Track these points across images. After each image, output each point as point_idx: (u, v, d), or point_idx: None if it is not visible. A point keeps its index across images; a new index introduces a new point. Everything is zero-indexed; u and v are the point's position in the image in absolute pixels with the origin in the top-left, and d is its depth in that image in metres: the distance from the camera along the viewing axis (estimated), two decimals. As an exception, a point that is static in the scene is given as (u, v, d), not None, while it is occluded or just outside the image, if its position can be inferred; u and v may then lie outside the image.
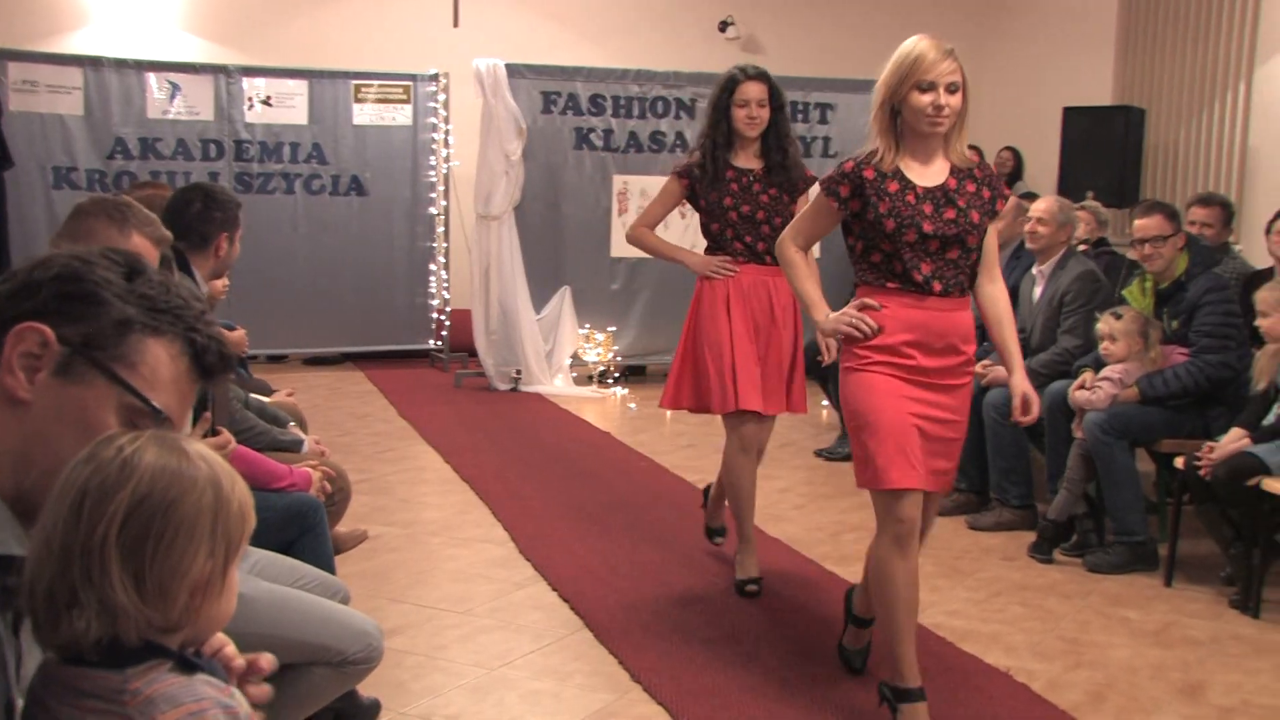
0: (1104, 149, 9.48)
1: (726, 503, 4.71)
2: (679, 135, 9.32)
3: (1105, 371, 5.00)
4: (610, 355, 9.24)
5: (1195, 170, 9.51)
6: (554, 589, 4.53)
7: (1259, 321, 4.60)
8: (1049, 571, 4.88)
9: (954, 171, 3.29)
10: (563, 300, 9.19)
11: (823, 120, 9.58)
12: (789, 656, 3.88)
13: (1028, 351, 5.52)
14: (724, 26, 11.23)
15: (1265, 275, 5.66)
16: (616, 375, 9.24)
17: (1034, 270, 5.70)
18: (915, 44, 3.22)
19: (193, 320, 1.56)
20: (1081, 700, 3.60)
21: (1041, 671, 3.81)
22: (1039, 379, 5.34)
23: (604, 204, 9.25)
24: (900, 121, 3.23)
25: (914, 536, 3.23)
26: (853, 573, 4.72)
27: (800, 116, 9.48)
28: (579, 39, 10.89)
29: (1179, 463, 4.66)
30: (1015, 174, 10.52)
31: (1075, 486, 5.04)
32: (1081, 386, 5.02)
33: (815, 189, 3.44)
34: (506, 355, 8.98)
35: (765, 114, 4.43)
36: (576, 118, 9.19)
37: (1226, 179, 9.15)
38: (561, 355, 9.16)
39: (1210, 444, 4.54)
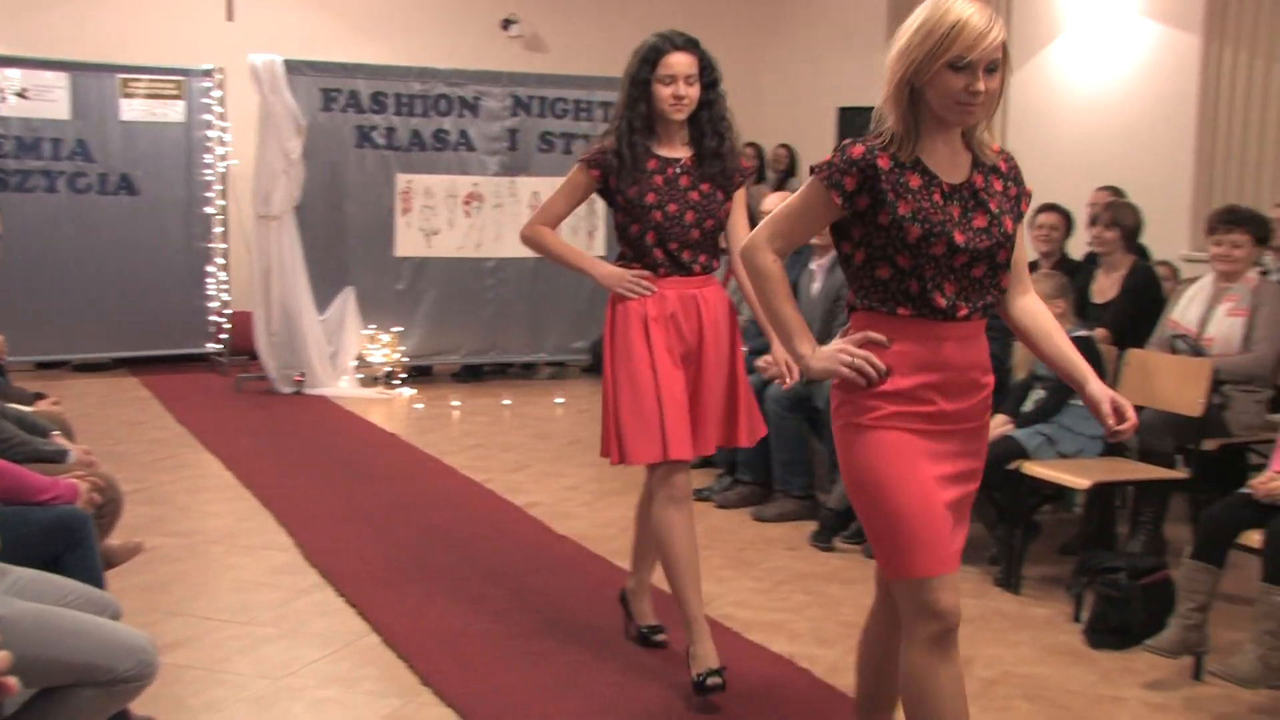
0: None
1: (671, 587, 3.69)
2: (463, 133, 9.25)
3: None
4: (396, 356, 9.11)
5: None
6: (340, 594, 4.44)
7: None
8: (830, 559, 5.04)
9: (977, 166, 2.60)
10: (347, 301, 9.02)
11: (606, 119, 9.61)
12: (579, 654, 3.89)
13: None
14: (507, 24, 11.20)
15: (1032, 266, 5.96)
16: (403, 376, 9.11)
17: (811, 266, 5.87)
18: (953, 6, 2.46)
19: None
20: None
21: (823, 656, 3.93)
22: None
23: (387, 203, 9.11)
24: (920, 102, 2.51)
25: (955, 632, 2.58)
26: (641, 567, 4.78)
27: (584, 115, 9.54)
28: (359, 35, 10.69)
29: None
30: (789, 171, 10.83)
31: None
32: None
33: (807, 178, 2.66)
34: (289, 357, 8.76)
35: (695, 92, 3.63)
36: (358, 115, 9.02)
37: (989, 178, 9.61)
38: (346, 357, 8.99)
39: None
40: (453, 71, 9.30)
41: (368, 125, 9.04)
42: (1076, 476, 4.45)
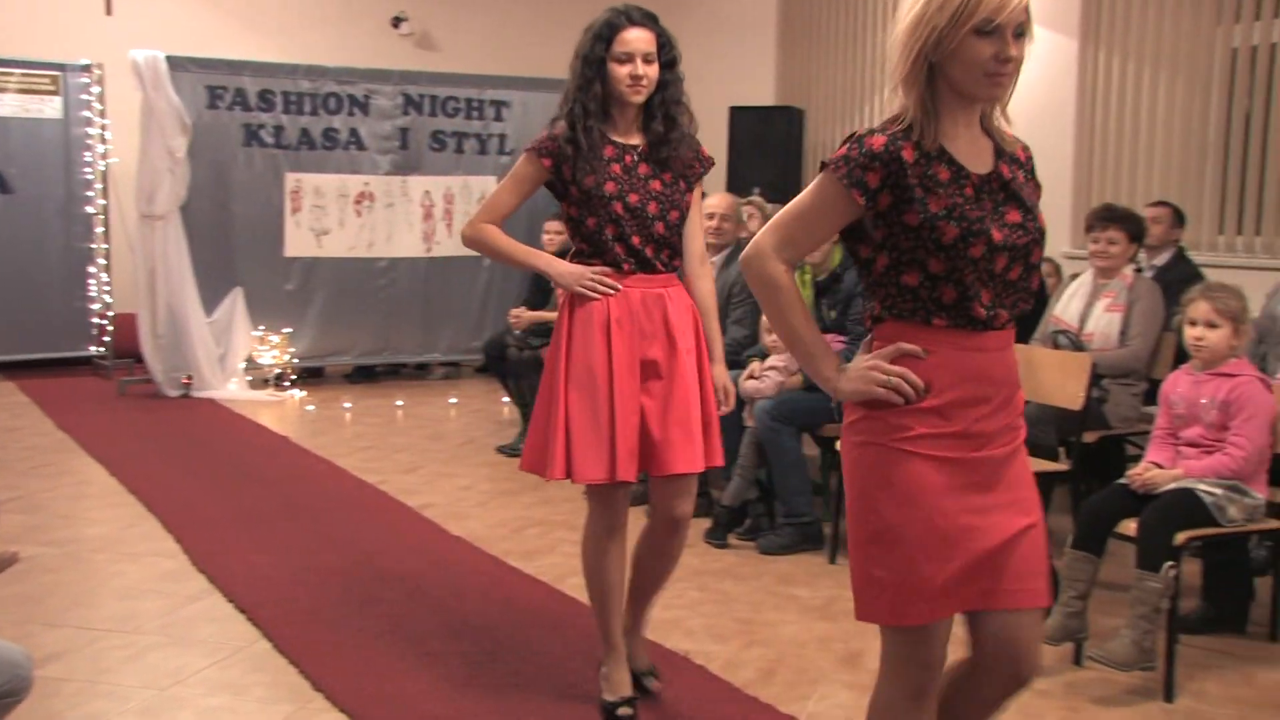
0: (768, 147, 9.95)
1: (594, 610, 3.52)
2: (353, 132, 9.15)
3: (771, 360, 5.24)
4: (286, 358, 8.98)
5: (850, 169, 10.12)
6: (230, 600, 4.36)
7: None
8: (724, 556, 5.08)
9: (1000, 154, 2.31)
10: (235, 302, 8.87)
11: (498, 118, 9.62)
12: (475, 655, 3.88)
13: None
14: (397, 22, 11.08)
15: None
16: (293, 378, 8.99)
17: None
18: None
19: None
20: (754, 677, 3.76)
21: (718, 652, 3.96)
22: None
23: (276, 203, 8.98)
24: (937, 81, 2.22)
25: (936, 686, 2.36)
26: (536, 568, 4.78)
27: (476, 114, 9.50)
28: (245, 31, 10.49)
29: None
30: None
31: (747, 473, 5.26)
32: (750, 376, 5.24)
33: (821, 174, 2.28)
34: (176, 360, 8.59)
35: (654, 72, 3.31)
36: (245, 113, 8.86)
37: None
38: (235, 359, 8.84)
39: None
40: (342, 69, 9.19)
41: (255, 123, 8.89)
42: (963, 470, 4.54)
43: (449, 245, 9.43)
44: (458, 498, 5.94)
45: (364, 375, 9.61)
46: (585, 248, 3.38)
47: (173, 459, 6.63)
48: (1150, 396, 5.14)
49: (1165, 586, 3.57)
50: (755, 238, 2.33)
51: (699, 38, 11.58)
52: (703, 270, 3.49)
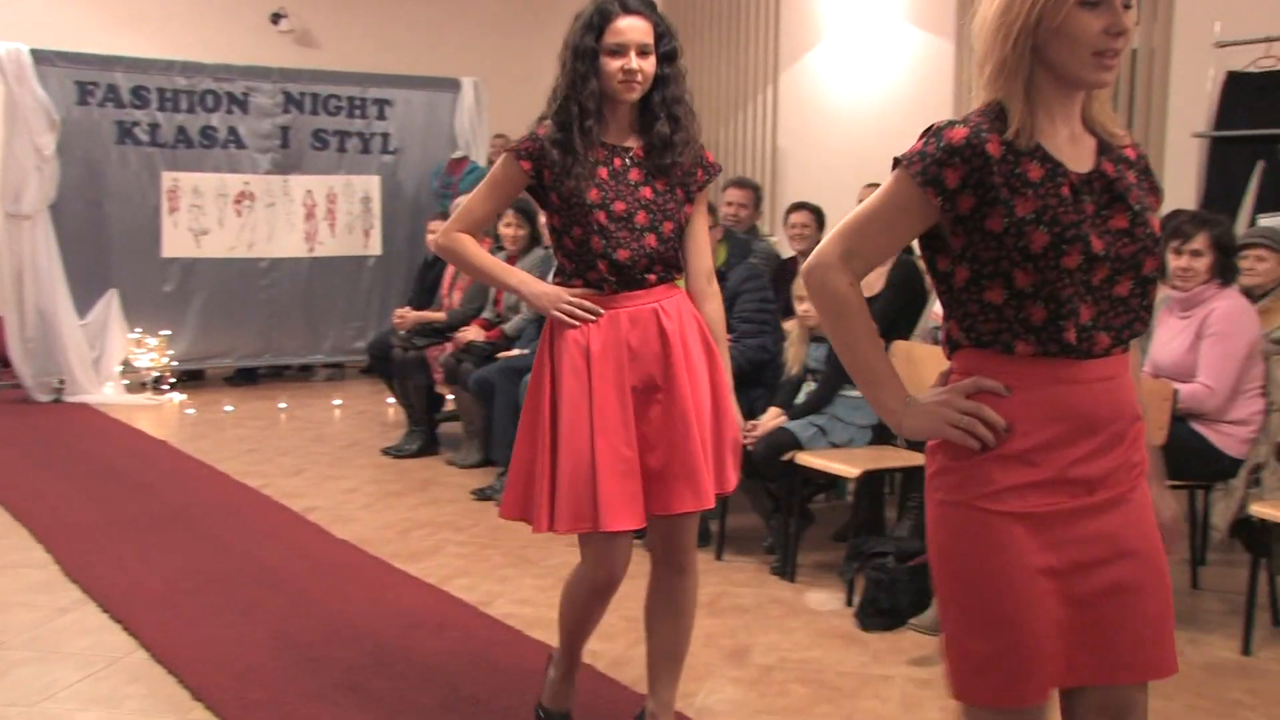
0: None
1: (559, 637, 3.28)
2: (232, 130, 8.97)
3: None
4: (164, 360, 8.76)
5: (732, 168, 10.18)
6: (104, 610, 4.24)
7: (798, 306, 4.97)
8: (612, 553, 5.07)
9: (1104, 151, 2.01)
10: (110, 304, 8.64)
11: (381, 117, 9.51)
12: (360, 659, 3.82)
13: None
14: (276, 19, 10.89)
15: (794, 262, 6.16)
16: (172, 381, 8.78)
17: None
18: None
19: None
20: (642, 674, 3.74)
21: (606, 651, 3.95)
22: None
23: (152, 202, 8.77)
24: (1035, 67, 1.94)
25: None
26: (422, 569, 4.74)
27: (359, 113, 9.38)
28: (117, 25, 10.20)
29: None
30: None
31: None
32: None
33: (889, 175, 2.00)
34: (47, 364, 8.34)
35: (650, 66, 2.92)
36: (118, 110, 8.64)
37: (760, 176, 9.85)
38: (111, 362, 8.61)
39: (753, 422, 4.86)
40: (220, 66, 9.00)
41: (129, 121, 8.67)
42: (847, 465, 4.60)
43: (332, 245, 9.31)
44: (342, 500, 5.86)
45: (246, 378, 9.43)
46: (568, 265, 2.98)
47: (43, 466, 6.43)
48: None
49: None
50: (820, 245, 2.04)
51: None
52: (710, 290, 3.09)
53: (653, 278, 2.96)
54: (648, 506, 2.93)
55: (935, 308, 5.46)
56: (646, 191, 2.94)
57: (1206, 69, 6.66)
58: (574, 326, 2.90)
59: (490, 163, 10.09)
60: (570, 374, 2.90)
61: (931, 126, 1.97)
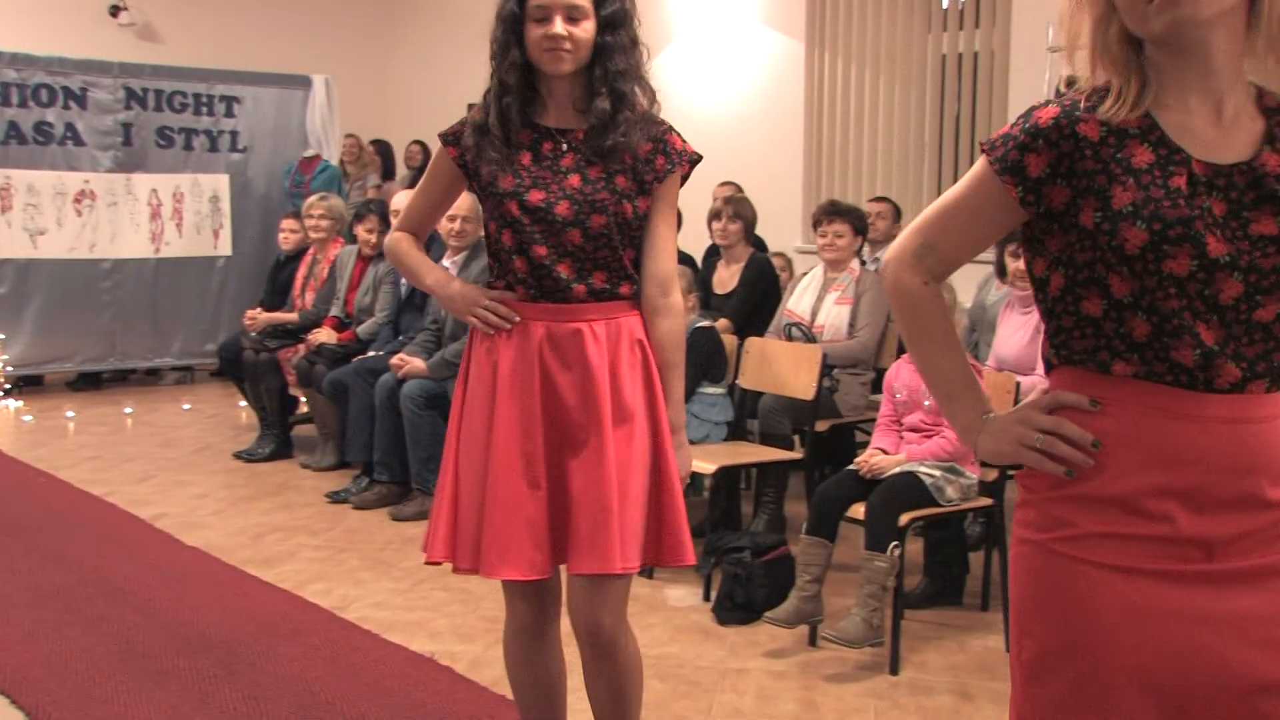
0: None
1: None
2: (69, 126, 8.64)
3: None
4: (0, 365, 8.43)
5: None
6: (-63, 628, 4.08)
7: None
8: (470, 554, 5.05)
9: (1273, 141, 1.60)
10: (-62, 308, 8.28)
11: (229, 114, 9.28)
12: (211, 670, 3.73)
13: (441, 341, 5.68)
14: (115, 11, 10.54)
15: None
16: (8, 387, 8.44)
17: (445, 261, 5.86)
18: None
19: None
20: (501, 675, 3.73)
21: (464, 653, 3.94)
22: (452, 368, 5.51)
23: (-17, 200, 8.43)
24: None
25: None
26: (276, 575, 4.65)
27: (205, 110, 9.15)
28: (-57, 16, 9.80)
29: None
30: (424, 167, 10.74)
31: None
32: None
33: (978, 162, 1.70)
34: None
35: (584, 34, 2.48)
36: (-55, 104, 8.29)
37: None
38: (-59, 368, 8.25)
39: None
40: (54, 59, 8.66)
41: (-43, 115, 8.31)
42: (703, 461, 4.65)
43: (179, 245, 9.06)
44: (193, 507, 5.71)
45: (89, 382, 9.11)
46: (493, 264, 2.62)
47: None
48: (877, 385, 5.40)
49: (891, 566, 3.76)
50: (898, 239, 1.80)
51: (439, 35, 11.49)
52: (663, 303, 2.58)
53: (581, 289, 2.50)
54: (555, 558, 2.55)
55: (789, 304, 5.55)
56: (575, 180, 2.51)
57: (1043, 72, 6.90)
58: (489, 334, 2.55)
59: (343, 162, 9.96)
60: (477, 392, 2.57)
61: (1029, 108, 1.67)
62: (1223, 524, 1.56)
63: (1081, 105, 1.60)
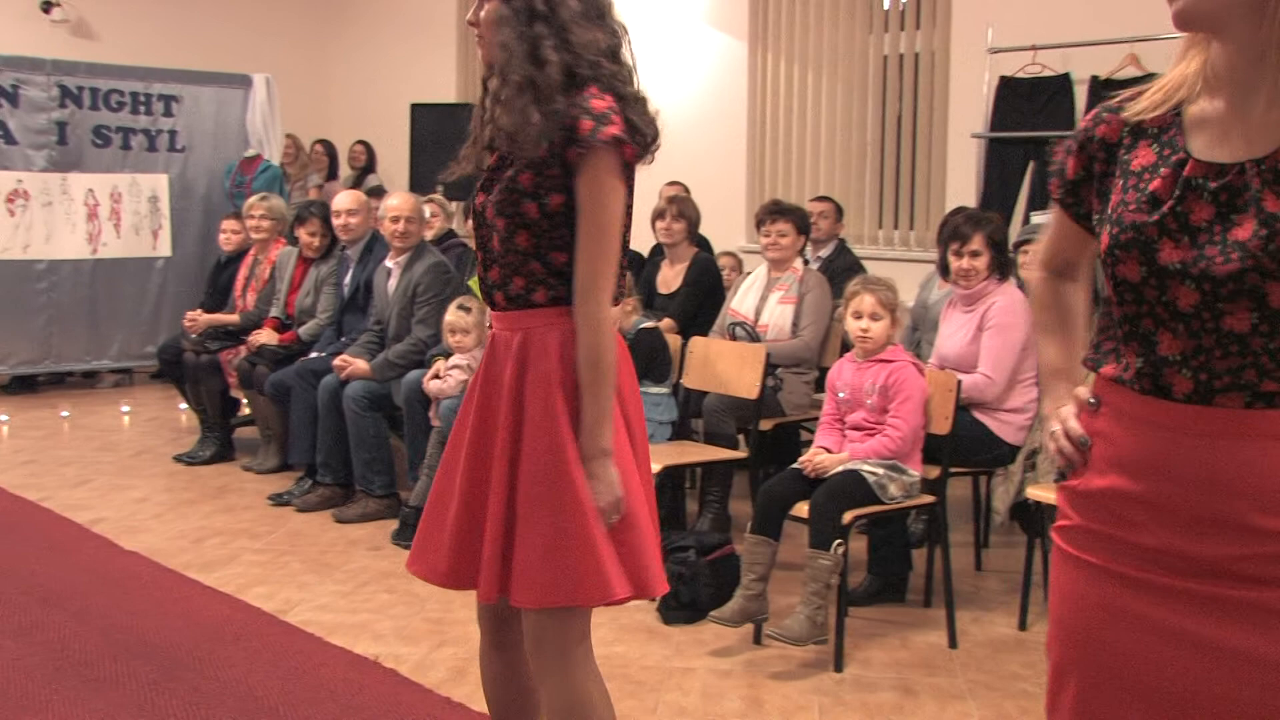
0: (450, 144, 9.73)
1: None
2: (1, 125, 8.50)
3: (454, 359, 5.21)
4: (-66, 369, 8.29)
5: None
6: None
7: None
8: (414, 556, 5.02)
9: None
10: None
11: (167, 113, 9.15)
12: (150, 676, 3.68)
13: (385, 342, 5.65)
14: (48, 7, 10.37)
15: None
16: (-57, 391, 8.31)
17: (388, 263, 5.82)
18: None
19: None
20: (446, 677, 3.74)
21: (409, 654, 3.92)
22: (396, 369, 5.48)
23: (-87, 200, 8.26)
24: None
25: None
26: (218, 578, 4.60)
27: (143, 109, 9.02)
28: None
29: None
30: (368, 168, 10.70)
31: (433, 472, 5.22)
32: (435, 376, 5.20)
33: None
34: None
35: (489, 15, 2.28)
36: None
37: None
38: (-128, 372, 8.09)
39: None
40: (-17, 55, 8.53)
41: (-120, 113, 8.14)
42: (647, 460, 4.65)
43: (118, 246, 8.92)
44: (132, 511, 5.64)
45: (24, 385, 8.96)
46: None
47: None
48: (820, 384, 5.43)
49: (835, 563, 3.78)
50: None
51: (378, 36, 11.41)
52: (583, 310, 2.26)
53: (499, 297, 2.34)
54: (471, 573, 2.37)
55: (733, 303, 5.57)
56: (506, 179, 2.30)
57: (982, 73, 6.97)
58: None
59: (284, 162, 9.85)
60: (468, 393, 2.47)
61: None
62: (1203, 543, 1.51)
63: (1110, 107, 1.65)
